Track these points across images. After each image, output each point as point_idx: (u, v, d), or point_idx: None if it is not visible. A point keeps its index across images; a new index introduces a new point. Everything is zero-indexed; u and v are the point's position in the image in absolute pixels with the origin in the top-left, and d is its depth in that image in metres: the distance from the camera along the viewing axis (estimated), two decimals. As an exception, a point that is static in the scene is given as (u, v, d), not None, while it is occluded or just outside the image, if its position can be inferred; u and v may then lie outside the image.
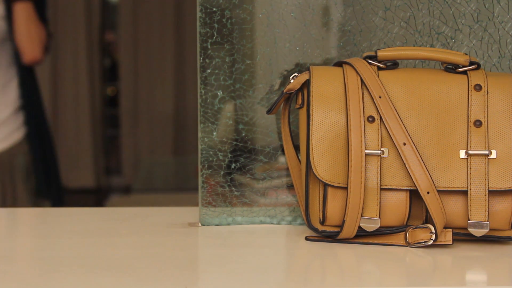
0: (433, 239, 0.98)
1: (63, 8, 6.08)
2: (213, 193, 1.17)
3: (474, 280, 0.90)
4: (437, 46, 1.15)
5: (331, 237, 1.03)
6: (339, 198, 1.00)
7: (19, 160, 2.33)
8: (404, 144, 0.99)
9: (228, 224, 1.17)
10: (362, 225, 1.00)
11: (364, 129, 1.00)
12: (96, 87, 6.26)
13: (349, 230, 1.00)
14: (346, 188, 0.99)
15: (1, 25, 2.26)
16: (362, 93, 1.02)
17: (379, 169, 0.99)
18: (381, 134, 1.00)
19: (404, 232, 1.01)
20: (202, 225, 1.16)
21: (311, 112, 1.02)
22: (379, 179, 0.99)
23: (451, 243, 0.99)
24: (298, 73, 1.06)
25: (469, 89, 1.02)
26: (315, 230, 1.04)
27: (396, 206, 1.00)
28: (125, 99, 6.24)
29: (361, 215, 0.99)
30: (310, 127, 1.01)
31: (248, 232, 1.12)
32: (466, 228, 1.00)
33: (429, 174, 0.99)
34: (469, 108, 1.01)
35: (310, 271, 0.94)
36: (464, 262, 0.95)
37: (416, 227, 1.00)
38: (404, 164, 0.99)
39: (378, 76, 1.03)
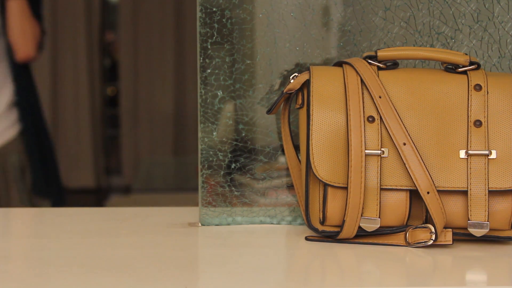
0: (433, 239, 0.98)
1: (63, 8, 6.08)
2: (213, 193, 1.17)
3: (474, 280, 0.90)
4: (437, 46, 1.15)
5: (331, 237, 1.03)
6: (339, 198, 1.00)
7: (13, 158, 2.28)
8: (404, 144, 0.99)
9: (228, 224, 1.17)
10: (362, 225, 1.00)
11: (364, 129, 1.00)
12: (96, 87, 6.26)
13: (349, 230, 1.00)
14: (346, 188, 0.99)
15: None
16: (362, 93, 1.02)
17: (379, 169, 0.99)
18: (381, 134, 1.00)
19: (404, 232, 1.01)
20: (202, 225, 1.16)
21: (311, 112, 1.02)
22: (379, 179, 0.99)
23: (451, 243, 0.99)
24: (298, 73, 1.06)
25: (469, 89, 1.02)
26: (315, 230, 1.04)
27: (396, 206, 1.00)
28: (125, 99, 6.24)
29: (361, 215, 0.99)
30: (310, 127, 1.01)
31: (248, 232, 1.12)
32: (466, 228, 1.00)
33: (429, 174, 0.99)
34: (469, 108, 1.01)
35: (310, 271, 0.94)
36: (464, 262, 0.95)
37: (416, 227, 1.00)
38: (404, 164, 0.99)
39: (378, 76, 1.03)
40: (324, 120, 1.01)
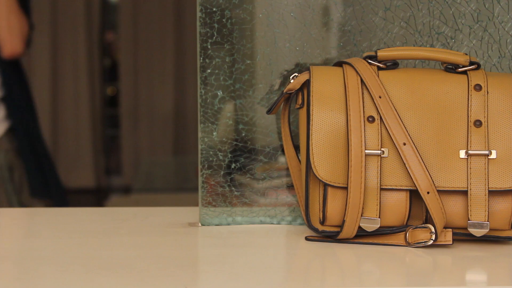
0: (433, 239, 0.98)
1: (63, 8, 6.08)
2: (213, 193, 1.17)
3: (474, 280, 0.90)
4: (437, 46, 1.15)
5: (331, 237, 1.03)
6: (339, 198, 1.00)
7: None
8: (404, 144, 0.99)
9: (228, 224, 1.17)
10: (362, 225, 1.00)
11: (364, 129, 1.00)
12: (96, 87, 6.26)
13: (349, 230, 1.00)
14: (346, 188, 0.99)
15: None
16: (362, 93, 1.02)
17: (379, 169, 0.99)
18: (381, 134, 1.00)
19: (404, 232, 1.01)
20: (202, 225, 1.16)
21: (311, 112, 1.01)
22: (379, 179, 0.99)
23: (451, 243, 0.99)
24: (298, 73, 1.06)
25: (469, 89, 1.02)
26: (315, 230, 1.04)
27: (396, 206, 1.00)
28: (125, 99, 6.25)
29: (361, 215, 0.99)
30: (310, 127, 1.01)
31: (248, 232, 1.12)
32: (466, 228, 1.00)
33: (429, 174, 0.99)
34: (469, 108, 1.01)
35: (310, 271, 0.94)
36: (464, 262, 0.95)
37: (416, 227, 1.00)
38: (404, 164, 0.99)
39: (378, 76, 1.03)
40: (324, 120, 1.01)
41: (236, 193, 1.18)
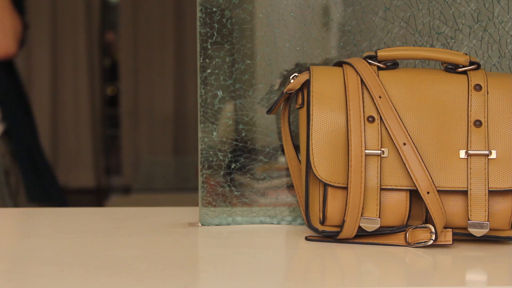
0: (433, 239, 0.98)
1: (63, 8, 6.08)
2: (213, 193, 1.17)
3: (474, 280, 0.90)
4: (437, 46, 1.15)
5: (331, 237, 1.03)
6: (339, 198, 1.00)
7: None
8: (404, 144, 0.99)
9: (228, 224, 1.17)
10: (362, 225, 1.00)
11: (364, 129, 1.00)
12: (96, 87, 6.26)
13: (349, 230, 1.00)
14: (346, 188, 0.99)
15: None
16: (362, 93, 1.02)
17: (379, 169, 0.99)
18: (381, 134, 1.00)
19: (404, 232, 1.01)
20: (202, 225, 1.16)
21: (311, 112, 1.01)
22: (379, 179, 0.99)
23: (451, 243, 0.99)
24: (298, 73, 1.06)
25: (469, 89, 1.02)
26: (315, 230, 1.04)
27: (396, 206, 1.00)
28: (125, 99, 6.25)
29: (361, 215, 0.99)
30: (310, 127, 1.01)
31: (248, 232, 1.12)
32: (466, 228, 1.00)
33: (429, 174, 0.99)
34: (469, 108, 1.01)
35: (310, 271, 0.94)
36: (464, 262, 0.95)
37: (416, 227, 1.00)
38: (404, 164, 0.99)
39: (378, 76, 1.03)
40: (324, 120, 1.01)
41: (236, 193, 1.18)
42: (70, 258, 0.94)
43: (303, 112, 1.06)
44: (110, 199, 4.51)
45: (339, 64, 1.07)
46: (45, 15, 6.04)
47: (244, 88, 1.17)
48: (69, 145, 6.17)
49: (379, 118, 1.01)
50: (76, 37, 6.12)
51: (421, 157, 0.99)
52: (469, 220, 0.99)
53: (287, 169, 1.15)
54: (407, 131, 1.00)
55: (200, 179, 1.17)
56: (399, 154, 0.99)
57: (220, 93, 1.16)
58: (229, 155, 1.17)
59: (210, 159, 1.17)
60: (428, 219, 1.02)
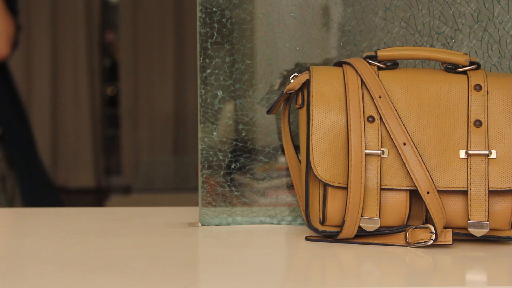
0: (433, 239, 0.98)
1: (63, 8, 6.08)
2: (213, 193, 1.17)
3: (474, 280, 0.90)
4: (437, 46, 1.15)
5: (331, 237, 1.03)
6: (339, 198, 1.00)
7: None
8: (404, 144, 0.99)
9: (228, 224, 1.17)
10: (362, 225, 1.00)
11: (364, 129, 1.00)
12: (96, 87, 6.26)
13: (349, 230, 1.00)
14: (346, 188, 0.99)
15: None
16: (362, 93, 1.02)
17: (379, 169, 0.99)
18: (381, 134, 1.00)
19: (404, 232, 1.01)
20: (202, 225, 1.16)
21: (311, 112, 1.01)
22: (379, 179, 0.99)
23: (451, 243, 0.99)
24: (298, 73, 1.06)
25: (469, 89, 1.02)
26: (315, 230, 1.04)
27: (396, 206, 1.00)
28: (125, 99, 6.25)
29: (361, 215, 0.99)
30: (310, 127, 1.01)
31: (248, 232, 1.12)
32: (466, 228, 1.00)
33: (429, 174, 0.99)
34: (469, 108, 1.01)
35: (310, 271, 0.94)
36: (464, 262, 0.95)
37: (416, 227, 1.00)
38: (404, 164, 0.99)
39: (378, 76, 1.03)
40: (324, 120, 1.01)
41: (236, 193, 1.18)
42: (70, 258, 0.94)
43: (303, 112, 1.06)
44: (110, 199, 4.52)
45: (339, 64, 1.07)
46: (45, 15, 6.04)
47: (244, 88, 1.17)
48: (69, 145, 6.17)
49: (379, 118, 1.01)
50: (76, 37, 6.12)
51: (421, 157, 0.99)
52: (469, 220, 0.99)
53: (287, 169, 1.15)
54: (407, 131, 1.00)
55: (200, 179, 1.17)
56: (399, 154, 0.99)
57: (220, 93, 1.17)
58: (229, 155, 1.17)
59: (210, 159, 1.17)
60: (428, 219, 1.02)
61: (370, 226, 1.00)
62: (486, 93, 1.02)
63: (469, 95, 1.02)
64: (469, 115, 1.01)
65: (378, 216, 0.99)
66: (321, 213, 1.02)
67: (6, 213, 1.41)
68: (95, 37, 6.22)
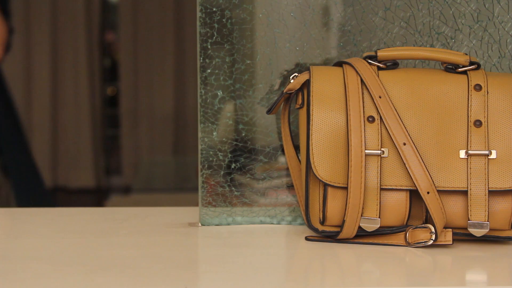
0: (433, 239, 0.98)
1: (63, 8, 6.08)
2: (213, 193, 1.17)
3: (474, 280, 0.90)
4: (437, 46, 1.15)
5: (331, 237, 1.03)
6: (339, 198, 1.00)
7: None
8: (404, 144, 0.99)
9: (228, 224, 1.17)
10: (362, 225, 1.00)
11: (364, 129, 1.00)
12: (96, 87, 6.26)
13: (349, 230, 1.00)
14: (346, 188, 0.99)
15: None
16: (362, 93, 1.02)
17: (379, 169, 0.99)
18: (381, 134, 1.00)
19: (404, 232, 1.01)
20: (202, 225, 1.16)
21: (311, 112, 1.02)
22: (379, 179, 0.99)
23: (451, 243, 0.99)
24: (298, 73, 1.06)
25: (469, 89, 1.02)
26: (315, 230, 1.04)
27: (396, 206, 1.00)
28: (125, 99, 6.24)
29: (361, 215, 0.99)
30: (310, 127, 1.01)
31: (248, 232, 1.12)
32: (466, 228, 1.00)
33: (429, 174, 0.99)
34: (469, 108, 1.01)
35: (310, 271, 0.94)
36: (464, 262, 0.95)
37: (416, 227, 1.00)
38: (404, 164, 0.99)
39: (378, 76, 1.03)
40: (324, 120, 1.01)
41: (236, 193, 1.18)
42: (70, 258, 0.94)
43: (303, 112, 1.06)
44: (110, 199, 4.51)
45: (339, 64, 1.07)
46: (45, 15, 6.04)
47: (244, 88, 1.17)
48: (69, 145, 6.16)
49: (379, 118, 1.01)
50: (76, 37, 6.11)
51: (421, 157, 0.99)
52: (469, 220, 0.99)
53: (287, 169, 1.15)
54: (407, 131, 1.00)
55: (200, 179, 1.17)
56: (399, 154, 0.99)
57: (220, 93, 1.16)
58: (229, 155, 1.17)
59: (210, 159, 1.17)
60: (428, 219, 1.02)
61: (370, 226, 1.00)
62: (486, 93, 1.02)
63: (469, 95, 1.02)
64: (469, 115, 1.01)
65: (378, 216, 0.99)
66: (321, 213, 1.02)
67: (6, 213, 1.41)
68: (95, 37, 6.21)
